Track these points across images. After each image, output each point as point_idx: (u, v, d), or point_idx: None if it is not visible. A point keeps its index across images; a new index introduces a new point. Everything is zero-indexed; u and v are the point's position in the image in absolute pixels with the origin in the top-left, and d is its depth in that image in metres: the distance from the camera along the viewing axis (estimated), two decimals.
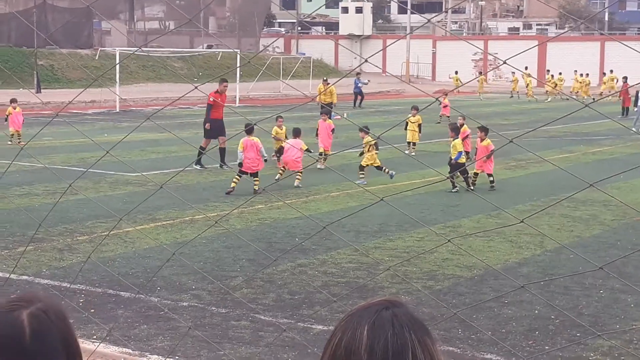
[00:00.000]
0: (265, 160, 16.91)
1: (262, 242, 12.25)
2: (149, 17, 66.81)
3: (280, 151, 19.23)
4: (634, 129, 30.57)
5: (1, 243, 11.95)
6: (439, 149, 23.26)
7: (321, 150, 20.01)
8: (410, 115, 23.18)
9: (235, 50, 51.05)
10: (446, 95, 36.28)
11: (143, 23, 65.24)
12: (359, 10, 78.92)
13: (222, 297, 9.49)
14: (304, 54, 68.46)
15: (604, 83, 50.62)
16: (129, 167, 17.70)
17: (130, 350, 7.78)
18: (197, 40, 64.33)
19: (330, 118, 21.43)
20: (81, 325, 8.23)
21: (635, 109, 37.16)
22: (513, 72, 52.60)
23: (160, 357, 7.61)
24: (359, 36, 77.15)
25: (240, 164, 16.55)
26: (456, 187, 17.10)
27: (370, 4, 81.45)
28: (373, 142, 17.60)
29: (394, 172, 18.16)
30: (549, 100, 50.94)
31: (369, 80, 43.74)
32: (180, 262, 10.63)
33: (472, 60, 70.45)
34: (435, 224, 13.75)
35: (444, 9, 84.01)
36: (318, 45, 75.39)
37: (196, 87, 3.94)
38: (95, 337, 8.00)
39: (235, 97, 42.84)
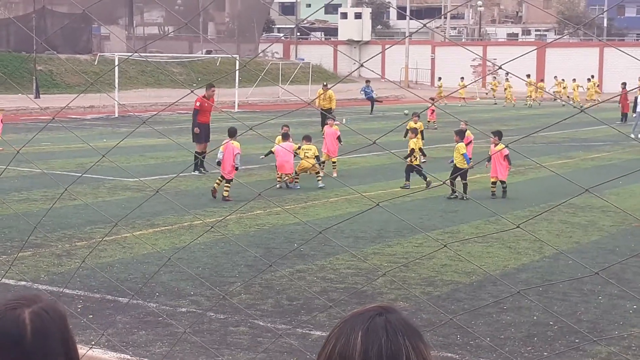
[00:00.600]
0: (237, 169, 16.69)
1: (261, 247, 12.25)
2: (148, 22, 66.89)
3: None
4: (632, 135, 30.59)
5: None
6: (436, 155, 23.26)
7: (324, 158, 19.82)
8: (411, 121, 23.04)
9: (234, 55, 51.08)
10: (434, 100, 36.33)
11: (142, 28, 65.30)
12: (358, 15, 78.99)
13: (220, 302, 9.48)
14: (303, 59, 68.55)
15: (588, 89, 50.73)
16: (127, 173, 17.71)
17: (129, 356, 7.76)
18: (196, 46, 64.40)
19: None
20: (79, 331, 8.22)
21: (634, 115, 37.19)
22: (507, 78, 52.56)
23: None
24: (358, 42, 77.23)
25: (219, 163, 16.63)
26: (455, 193, 17.03)
27: (370, 10, 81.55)
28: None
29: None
30: (530, 104, 51.15)
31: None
32: (179, 268, 10.62)
33: (471, 66, 70.51)
34: (434, 230, 13.75)
35: (442, 15, 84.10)
36: (317, 50, 75.46)
37: (192, 92, 3.96)
38: (93, 342, 7.99)
39: (234, 102, 42.87)
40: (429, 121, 33.88)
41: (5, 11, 53.32)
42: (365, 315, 1.88)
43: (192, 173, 19.48)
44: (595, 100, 48.72)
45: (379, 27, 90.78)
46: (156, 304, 9.40)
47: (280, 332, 8.41)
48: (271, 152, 17.99)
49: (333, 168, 20.07)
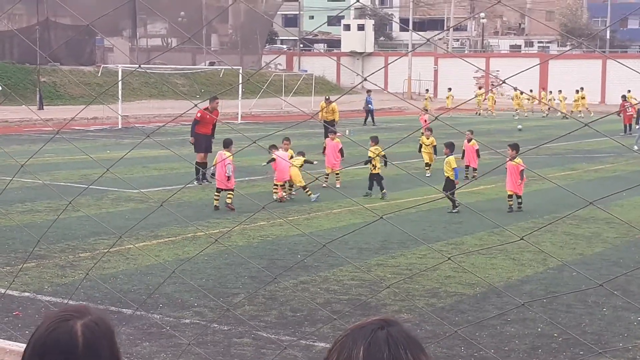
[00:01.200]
0: (228, 178, 16.69)
1: (264, 259, 12.24)
2: (151, 34, 67.02)
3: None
4: (635, 147, 30.56)
5: (3, 260, 11.95)
6: (439, 166, 23.16)
7: (328, 170, 19.81)
8: (423, 137, 22.61)
9: (238, 67, 51.19)
10: (426, 111, 36.36)
11: (145, 40, 65.44)
12: (360, 27, 79.15)
13: (224, 314, 9.47)
14: (306, 70, 68.65)
15: (575, 101, 50.83)
16: (131, 184, 17.72)
17: None
18: (199, 58, 64.51)
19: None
20: None
21: (637, 127, 37.18)
22: (515, 89, 52.71)
23: None
24: (360, 53, 77.36)
25: (213, 175, 16.81)
26: (457, 207, 16.73)
27: (372, 22, 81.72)
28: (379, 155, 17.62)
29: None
30: (525, 115, 51.27)
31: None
32: (182, 279, 10.62)
33: (474, 77, 70.59)
34: (438, 242, 13.74)
35: (445, 27, 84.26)
36: (320, 62, 75.58)
37: (195, 105, 3.97)
38: None
39: (237, 114, 42.93)
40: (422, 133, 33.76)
41: (9, 23, 53.46)
42: (367, 328, 1.88)
43: (193, 184, 19.49)
44: (580, 111, 49.16)
45: (381, 38, 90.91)
46: (160, 315, 9.40)
47: (285, 344, 8.40)
48: (273, 159, 17.98)
49: (337, 179, 20.11)
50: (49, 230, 13.13)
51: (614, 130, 38.05)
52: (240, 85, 44.34)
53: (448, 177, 17.15)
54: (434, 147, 22.29)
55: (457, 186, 16.84)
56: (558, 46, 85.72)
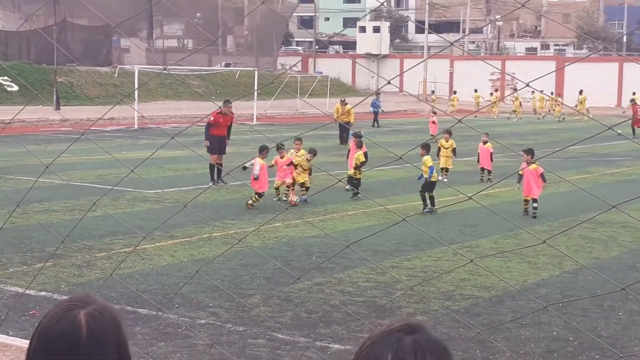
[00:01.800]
0: (255, 178, 16.86)
1: (279, 260, 12.26)
2: (168, 35, 67.28)
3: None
4: None
5: (20, 259, 12.03)
6: (457, 168, 23.12)
7: (350, 172, 19.60)
8: (442, 139, 21.79)
9: (254, 68, 51.28)
10: (435, 113, 36.26)
11: (162, 41, 65.69)
12: (376, 29, 79.11)
13: (239, 314, 9.50)
14: (321, 72, 68.68)
15: (580, 103, 50.68)
16: (146, 184, 17.79)
17: None
18: (215, 59, 64.67)
19: (349, 137, 21.40)
20: None
21: None
22: (532, 92, 52.63)
23: None
24: (376, 55, 77.30)
25: (244, 168, 17.44)
26: (429, 207, 16.71)
27: (388, 24, 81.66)
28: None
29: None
30: (518, 119, 51.02)
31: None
32: (198, 280, 10.65)
33: (490, 80, 70.41)
34: (453, 244, 13.71)
35: (461, 29, 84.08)
36: (335, 64, 75.60)
37: (220, 108, 4.00)
38: None
39: (253, 115, 43.02)
40: (431, 135, 33.60)
41: (27, 23, 53.77)
42: (393, 336, 1.86)
43: (210, 184, 19.56)
44: (579, 113, 49.11)
45: (397, 40, 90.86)
46: (175, 315, 9.44)
47: (300, 345, 8.41)
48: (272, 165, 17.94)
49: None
50: (66, 230, 13.20)
51: (627, 134, 37.83)
52: (255, 86, 44.39)
53: (426, 178, 16.94)
54: (454, 150, 21.66)
55: (453, 186, 16.92)
56: (574, 49, 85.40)
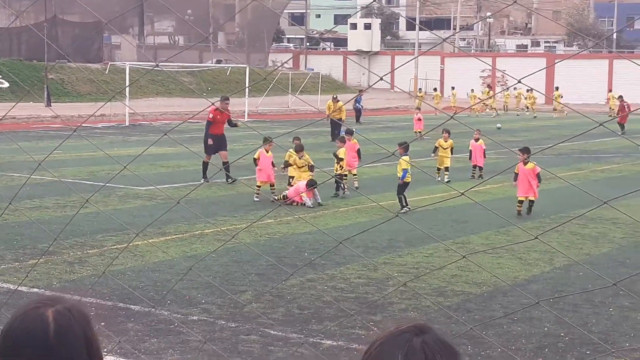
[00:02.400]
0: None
1: (271, 256, 12.27)
2: (159, 32, 67.19)
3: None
4: None
5: (12, 255, 12.02)
6: (454, 165, 23.13)
7: (346, 171, 19.56)
8: (441, 139, 21.36)
9: (245, 65, 51.24)
10: (419, 109, 36.25)
11: (153, 38, 65.59)
12: (367, 26, 79.15)
13: (231, 311, 9.52)
14: (313, 69, 68.69)
15: (555, 99, 51.08)
16: (138, 181, 17.77)
17: None
18: (206, 55, 64.62)
19: (340, 134, 21.43)
20: None
21: None
22: (528, 90, 52.73)
23: None
24: (367, 52, 77.32)
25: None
26: (405, 207, 16.51)
27: (379, 21, 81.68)
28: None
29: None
30: (494, 115, 51.10)
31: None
32: (190, 276, 10.66)
33: (480, 77, 70.53)
34: (444, 240, 13.75)
35: (452, 26, 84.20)
36: (326, 60, 75.61)
37: (213, 104, 4.02)
38: (105, 350, 8.01)
39: (244, 112, 42.99)
40: (415, 131, 33.51)
41: (18, 20, 53.61)
42: (402, 338, 1.87)
43: (201, 181, 19.53)
44: (557, 111, 49.56)
45: (388, 37, 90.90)
46: (168, 312, 9.44)
47: (292, 341, 8.43)
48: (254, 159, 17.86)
49: (354, 180, 20.18)
50: (58, 227, 13.19)
51: (615, 130, 37.96)
52: (247, 83, 44.37)
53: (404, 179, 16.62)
54: (452, 149, 21.25)
55: (458, 186, 16.81)
56: (565, 46, 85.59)
